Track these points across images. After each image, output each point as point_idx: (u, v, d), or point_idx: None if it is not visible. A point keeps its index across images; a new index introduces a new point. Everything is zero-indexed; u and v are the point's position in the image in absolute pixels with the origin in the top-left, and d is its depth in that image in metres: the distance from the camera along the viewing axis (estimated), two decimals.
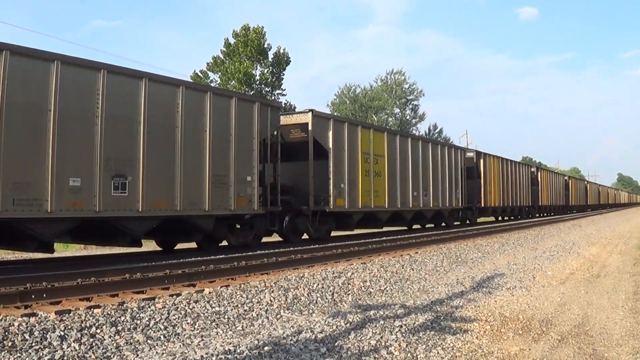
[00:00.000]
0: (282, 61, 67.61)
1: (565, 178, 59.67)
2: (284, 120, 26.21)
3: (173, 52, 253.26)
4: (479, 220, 49.01)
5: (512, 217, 57.50)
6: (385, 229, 34.73)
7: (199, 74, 65.04)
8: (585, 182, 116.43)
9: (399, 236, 28.17)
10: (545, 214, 70.24)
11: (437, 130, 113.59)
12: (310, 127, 25.71)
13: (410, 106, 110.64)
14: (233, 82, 61.34)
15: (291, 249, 20.36)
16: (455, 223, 42.23)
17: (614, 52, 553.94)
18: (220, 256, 17.53)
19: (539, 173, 67.84)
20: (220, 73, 64.35)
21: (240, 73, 61.33)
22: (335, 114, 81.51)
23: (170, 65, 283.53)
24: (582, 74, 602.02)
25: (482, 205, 46.79)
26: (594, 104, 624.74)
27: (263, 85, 66.22)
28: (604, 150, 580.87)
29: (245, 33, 64.57)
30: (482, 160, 47.03)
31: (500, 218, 56.54)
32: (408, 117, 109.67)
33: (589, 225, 47.45)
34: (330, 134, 26.48)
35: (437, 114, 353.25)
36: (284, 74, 68.60)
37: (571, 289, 15.07)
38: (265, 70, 67.03)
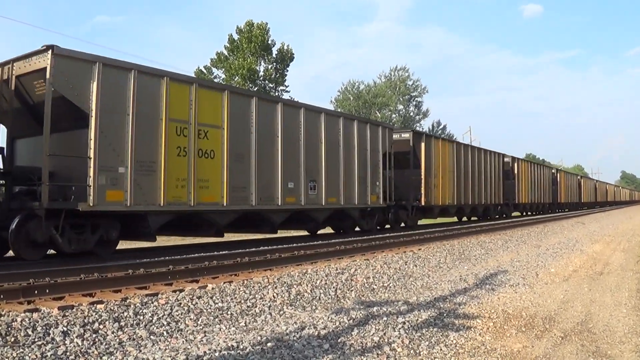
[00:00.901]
0: (286, 57, 67.63)
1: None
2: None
3: (177, 47, 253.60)
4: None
5: (538, 212, 64.56)
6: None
7: (203, 70, 65.03)
8: (578, 178, 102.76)
9: (402, 233, 28.22)
10: (560, 210, 77.82)
11: (441, 127, 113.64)
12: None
13: (414, 103, 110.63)
14: (237, 78, 61.33)
15: (294, 245, 20.35)
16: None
17: (618, 50, 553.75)
18: (223, 252, 17.54)
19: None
20: (224, 69, 64.31)
21: (244, 69, 61.35)
22: (341, 110, 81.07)
23: (174, 61, 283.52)
24: (586, 71, 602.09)
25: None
26: (598, 102, 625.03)
27: (267, 82, 66.20)
28: (607, 148, 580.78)
29: (249, 29, 64.61)
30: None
31: (527, 213, 61.94)
32: (412, 114, 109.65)
33: (592, 223, 47.43)
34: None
35: (441, 110, 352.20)
36: (287, 70, 68.70)
37: (574, 287, 15.07)
38: (269, 67, 67.01)
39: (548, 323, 10.97)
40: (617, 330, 10.51)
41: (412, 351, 8.95)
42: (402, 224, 33.79)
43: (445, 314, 11.34)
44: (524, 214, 61.34)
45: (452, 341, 9.58)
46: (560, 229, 38.22)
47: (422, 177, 35.02)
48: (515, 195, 54.43)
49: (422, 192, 34.62)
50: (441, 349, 9.11)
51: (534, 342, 9.69)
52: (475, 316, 11.36)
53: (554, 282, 15.90)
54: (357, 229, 30.23)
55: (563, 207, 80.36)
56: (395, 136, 34.10)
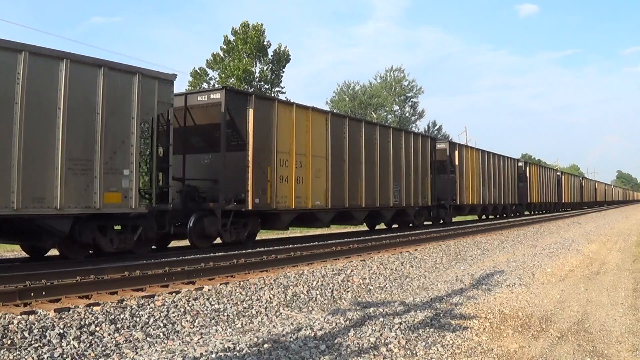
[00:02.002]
0: (281, 59, 67.43)
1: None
2: None
3: (173, 48, 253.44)
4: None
5: (546, 211, 68.95)
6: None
7: (198, 71, 64.94)
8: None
9: (398, 233, 28.19)
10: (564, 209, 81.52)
11: (437, 127, 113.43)
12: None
13: (410, 103, 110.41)
14: (232, 79, 61.25)
15: (290, 246, 20.36)
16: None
17: (613, 49, 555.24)
18: (220, 253, 17.52)
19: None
20: (219, 70, 64.23)
21: (239, 70, 61.19)
22: (335, 110, 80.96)
23: (170, 62, 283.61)
24: (582, 70, 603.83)
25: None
26: (594, 101, 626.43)
27: (262, 83, 66.11)
28: (603, 148, 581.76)
29: (244, 30, 64.44)
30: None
31: (536, 212, 65.81)
32: (407, 114, 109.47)
33: (589, 223, 47.49)
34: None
35: (437, 110, 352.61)
36: (283, 72, 68.54)
37: (571, 286, 15.09)
38: (265, 68, 66.94)
39: (544, 323, 10.99)
40: (614, 330, 10.52)
41: (408, 352, 8.97)
42: (441, 221, 39.55)
43: (441, 315, 11.35)
44: (532, 212, 63.93)
45: (449, 341, 9.61)
46: (556, 229, 38.26)
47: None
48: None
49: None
50: (438, 350, 9.13)
51: (530, 342, 9.71)
52: (471, 316, 11.37)
53: (551, 282, 15.92)
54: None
55: (567, 206, 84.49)
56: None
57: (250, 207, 21.15)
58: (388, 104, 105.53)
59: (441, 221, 40.08)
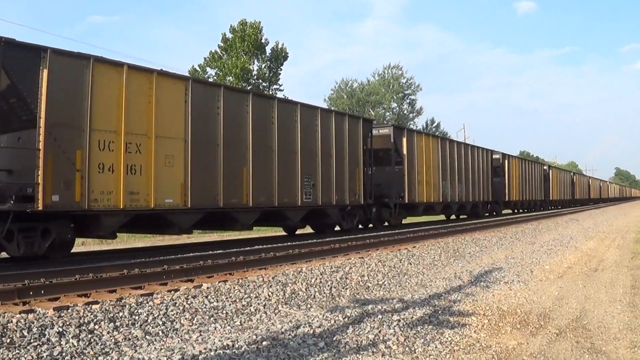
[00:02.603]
0: (279, 56, 67.44)
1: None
2: None
3: (171, 47, 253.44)
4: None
5: (530, 210, 66.19)
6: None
7: (197, 68, 64.92)
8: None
9: (396, 230, 28.17)
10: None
11: (435, 125, 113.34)
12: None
13: (408, 101, 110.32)
14: (230, 77, 61.23)
15: (288, 244, 20.37)
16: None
17: (612, 46, 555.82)
18: (218, 251, 17.53)
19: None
20: (217, 68, 64.21)
21: (237, 68, 61.15)
22: (333, 108, 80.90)
23: (170, 62, 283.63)
24: (580, 68, 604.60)
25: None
26: (593, 99, 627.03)
27: (260, 81, 66.09)
28: (602, 146, 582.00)
29: (242, 28, 64.40)
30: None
31: (518, 211, 63.70)
32: (405, 112, 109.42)
33: (587, 220, 47.41)
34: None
35: (436, 108, 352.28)
36: (281, 69, 68.52)
37: (569, 283, 15.10)
38: (263, 66, 66.93)
39: (543, 320, 11.00)
40: (612, 326, 10.54)
41: (407, 349, 8.98)
42: (385, 223, 32.91)
43: (440, 312, 11.36)
44: (515, 211, 61.52)
45: (447, 338, 9.61)
46: (554, 226, 38.23)
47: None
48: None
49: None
50: (436, 347, 9.13)
51: (528, 339, 9.72)
52: (470, 313, 11.38)
53: (549, 279, 15.92)
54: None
55: (556, 204, 79.43)
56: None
57: (40, 207, 14.90)
58: (386, 101, 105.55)
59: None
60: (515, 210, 61.61)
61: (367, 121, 31.41)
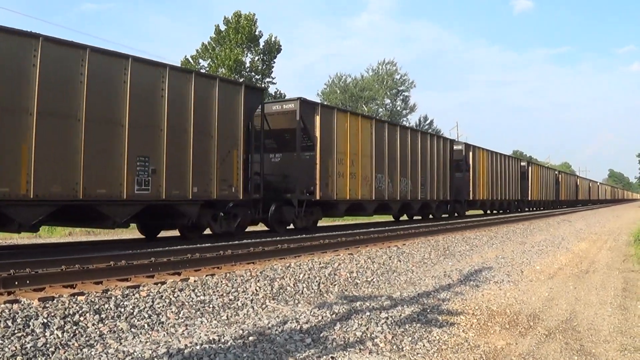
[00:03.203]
0: (273, 49, 67.49)
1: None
2: None
3: (164, 37, 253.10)
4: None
5: (503, 211, 60.79)
6: None
7: (190, 59, 64.82)
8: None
9: (387, 227, 28.11)
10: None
11: (428, 122, 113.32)
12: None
13: (401, 97, 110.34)
14: (223, 69, 61.18)
15: (278, 238, 20.27)
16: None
17: (609, 47, 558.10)
18: (206, 244, 17.45)
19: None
20: (210, 60, 64.15)
21: (230, 60, 61.13)
22: (325, 102, 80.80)
23: (161, 51, 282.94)
24: (576, 68, 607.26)
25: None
26: (588, 99, 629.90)
27: (253, 73, 66.06)
28: (596, 146, 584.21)
29: (236, 20, 64.37)
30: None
31: (487, 212, 59.23)
32: (399, 108, 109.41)
33: (579, 221, 47.47)
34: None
35: (430, 105, 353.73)
36: (274, 62, 68.54)
37: (559, 284, 15.06)
38: (256, 58, 66.90)
39: (532, 320, 10.95)
40: (602, 329, 10.48)
41: (394, 347, 8.93)
42: (456, 214, 43.22)
43: (428, 310, 11.31)
44: (531, 209, 61.92)
45: (436, 337, 9.56)
46: (546, 227, 38.25)
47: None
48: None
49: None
50: (424, 345, 9.08)
51: (517, 339, 9.67)
52: (459, 312, 11.34)
53: (539, 279, 15.89)
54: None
55: (535, 205, 70.73)
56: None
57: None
58: (379, 97, 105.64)
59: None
60: (531, 209, 61.38)
61: (254, 90, 24.48)
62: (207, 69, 62.83)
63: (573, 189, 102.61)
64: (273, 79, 68.74)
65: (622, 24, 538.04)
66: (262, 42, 67.03)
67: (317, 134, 26.20)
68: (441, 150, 40.09)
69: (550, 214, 56.33)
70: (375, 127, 31.07)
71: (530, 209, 69.52)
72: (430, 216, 41.31)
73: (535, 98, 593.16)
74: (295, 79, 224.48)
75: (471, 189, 46.42)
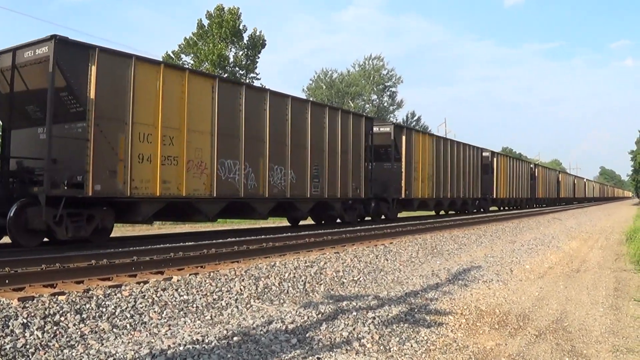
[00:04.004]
0: (257, 44, 67.46)
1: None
2: None
3: (146, 30, 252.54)
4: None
5: (516, 207, 63.62)
6: None
7: (171, 55, 64.71)
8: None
9: (374, 226, 27.95)
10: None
11: (415, 118, 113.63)
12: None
13: (388, 93, 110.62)
14: (206, 64, 61.14)
15: (262, 237, 20.14)
16: None
17: (602, 42, 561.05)
18: (189, 243, 17.34)
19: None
20: (192, 55, 64.10)
21: (213, 55, 61.12)
22: (311, 99, 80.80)
23: (149, 47, 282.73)
24: (568, 63, 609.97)
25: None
26: (580, 95, 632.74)
27: (237, 68, 66.04)
28: (588, 144, 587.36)
29: (219, 14, 64.31)
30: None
31: (505, 208, 62.38)
32: (385, 104, 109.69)
33: (569, 219, 47.64)
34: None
35: (418, 101, 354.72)
36: (259, 57, 68.51)
37: (550, 284, 15.02)
38: (240, 53, 66.85)
39: (522, 321, 10.89)
40: (594, 329, 10.41)
41: (382, 347, 8.87)
42: (382, 217, 34.66)
43: (416, 310, 11.25)
44: (501, 208, 60.96)
45: (423, 337, 9.50)
46: (536, 225, 38.33)
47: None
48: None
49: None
50: (412, 346, 9.02)
51: (507, 339, 9.60)
52: (447, 312, 11.29)
53: (529, 278, 15.85)
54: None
55: (502, 204, 64.28)
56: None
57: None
58: (366, 93, 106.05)
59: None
60: (502, 208, 61.00)
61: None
62: (191, 64, 62.72)
63: (553, 185, 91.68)
64: (257, 74, 68.84)
65: (615, 17, 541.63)
66: (246, 36, 67.01)
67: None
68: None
69: (540, 213, 55.69)
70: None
71: (503, 207, 64.00)
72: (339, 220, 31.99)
73: (526, 94, 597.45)
74: (281, 74, 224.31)
75: (404, 184, 36.19)
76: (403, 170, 35.62)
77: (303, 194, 26.08)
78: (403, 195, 35.49)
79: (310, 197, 26.53)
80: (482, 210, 53.29)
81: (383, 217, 34.84)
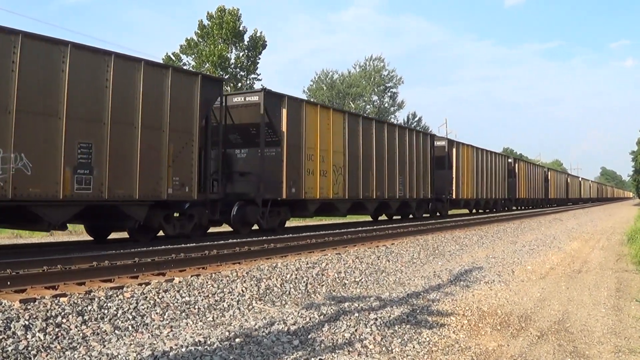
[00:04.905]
0: (257, 45, 67.53)
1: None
2: None
3: (146, 32, 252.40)
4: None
5: (490, 210, 59.53)
6: None
7: (172, 56, 64.74)
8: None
9: (375, 227, 27.91)
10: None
11: (416, 119, 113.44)
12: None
13: (389, 94, 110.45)
14: (207, 64, 61.16)
15: (264, 238, 20.13)
16: None
17: (601, 42, 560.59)
18: (191, 244, 17.30)
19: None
20: (194, 56, 64.12)
21: (214, 56, 61.18)
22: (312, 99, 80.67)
23: (148, 48, 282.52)
24: (568, 63, 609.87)
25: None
26: (580, 95, 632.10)
27: (238, 69, 66.04)
28: (588, 143, 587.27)
29: (220, 15, 64.35)
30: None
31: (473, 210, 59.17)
32: (386, 105, 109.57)
33: (570, 220, 47.55)
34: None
35: (418, 102, 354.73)
36: (259, 58, 68.54)
37: (551, 285, 14.97)
38: (241, 54, 66.85)
39: (524, 321, 10.86)
40: (596, 330, 10.38)
41: (384, 348, 8.84)
42: (438, 213, 42.24)
43: (418, 311, 11.22)
44: (519, 208, 62.61)
45: (425, 339, 9.47)
46: (537, 226, 38.27)
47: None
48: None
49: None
50: (414, 347, 8.99)
51: (509, 340, 9.56)
52: (449, 313, 11.25)
53: (531, 279, 15.81)
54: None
55: (522, 203, 67.49)
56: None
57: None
58: (367, 93, 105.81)
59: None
60: (520, 207, 61.11)
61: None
62: (191, 65, 62.76)
63: (540, 184, 79.10)
64: (258, 75, 68.90)
65: (615, 17, 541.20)
66: (246, 37, 67.04)
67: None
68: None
69: (541, 213, 56.07)
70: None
71: (521, 207, 66.35)
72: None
73: (526, 94, 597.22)
74: (281, 74, 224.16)
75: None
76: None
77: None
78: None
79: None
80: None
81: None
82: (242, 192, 24.21)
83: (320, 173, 26.31)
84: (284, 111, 24.33)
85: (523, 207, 68.60)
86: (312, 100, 33.76)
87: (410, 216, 38.85)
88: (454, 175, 44.55)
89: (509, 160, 62.19)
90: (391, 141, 33.35)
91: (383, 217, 39.47)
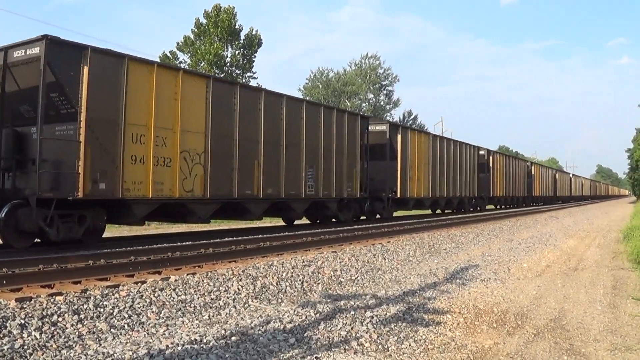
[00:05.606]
0: (253, 43, 67.40)
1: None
2: None
3: (143, 30, 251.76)
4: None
5: (513, 205, 62.72)
6: None
7: (168, 54, 64.71)
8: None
9: (370, 225, 27.88)
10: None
11: (412, 117, 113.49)
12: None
13: (385, 92, 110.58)
14: (203, 63, 61.17)
15: (260, 236, 20.14)
16: None
17: (598, 40, 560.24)
18: (187, 242, 17.35)
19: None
20: (190, 54, 64.11)
21: (210, 54, 61.16)
22: (308, 98, 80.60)
23: (140, 45, 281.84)
24: (564, 62, 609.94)
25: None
26: (576, 93, 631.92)
27: (234, 68, 66.01)
28: (584, 142, 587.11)
29: (216, 13, 64.28)
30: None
31: (502, 207, 61.22)
32: (382, 103, 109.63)
33: (566, 217, 47.61)
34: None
35: (414, 100, 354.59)
36: (255, 56, 68.46)
37: (547, 282, 14.99)
38: (237, 52, 66.79)
39: (520, 319, 10.87)
40: (592, 327, 10.39)
41: (380, 346, 8.85)
42: (377, 216, 33.73)
43: (414, 309, 11.22)
44: (498, 207, 60.35)
45: (422, 336, 9.47)
46: (533, 223, 38.30)
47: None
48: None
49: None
50: (410, 345, 9.00)
51: (505, 338, 9.58)
52: (445, 311, 11.25)
53: (527, 277, 15.83)
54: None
55: (538, 200, 74.83)
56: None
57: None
58: (362, 92, 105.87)
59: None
60: (498, 207, 60.31)
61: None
62: (188, 63, 62.77)
63: (522, 181, 70.48)
64: (254, 73, 68.79)
65: (611, 15, 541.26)
66: (242, 35, 66.97)
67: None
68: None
69: (537, 211, 55.59)
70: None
71: (500, 206, 62.15)
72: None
73: (522, 93, 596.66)
74: (276, 73, 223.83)
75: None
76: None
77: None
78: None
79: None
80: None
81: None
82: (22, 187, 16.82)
83: (157, 161, 18.51)
84: (86, 69, 16.42)
85: (501, 207, 62.61)
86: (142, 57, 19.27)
87: (334, 220, 30.53)
88: (398, 168, 35.49)
89: (481, 152, 53.73)
90: (295, 121, 25.45)
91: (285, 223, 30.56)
